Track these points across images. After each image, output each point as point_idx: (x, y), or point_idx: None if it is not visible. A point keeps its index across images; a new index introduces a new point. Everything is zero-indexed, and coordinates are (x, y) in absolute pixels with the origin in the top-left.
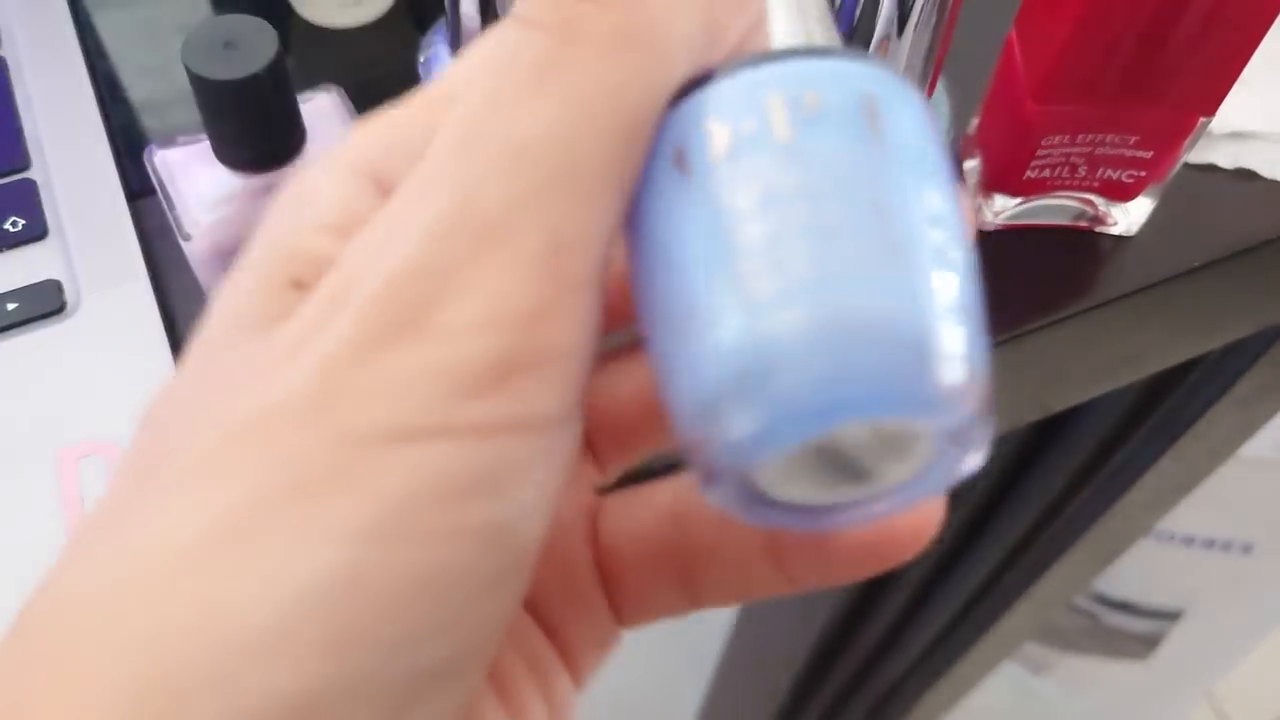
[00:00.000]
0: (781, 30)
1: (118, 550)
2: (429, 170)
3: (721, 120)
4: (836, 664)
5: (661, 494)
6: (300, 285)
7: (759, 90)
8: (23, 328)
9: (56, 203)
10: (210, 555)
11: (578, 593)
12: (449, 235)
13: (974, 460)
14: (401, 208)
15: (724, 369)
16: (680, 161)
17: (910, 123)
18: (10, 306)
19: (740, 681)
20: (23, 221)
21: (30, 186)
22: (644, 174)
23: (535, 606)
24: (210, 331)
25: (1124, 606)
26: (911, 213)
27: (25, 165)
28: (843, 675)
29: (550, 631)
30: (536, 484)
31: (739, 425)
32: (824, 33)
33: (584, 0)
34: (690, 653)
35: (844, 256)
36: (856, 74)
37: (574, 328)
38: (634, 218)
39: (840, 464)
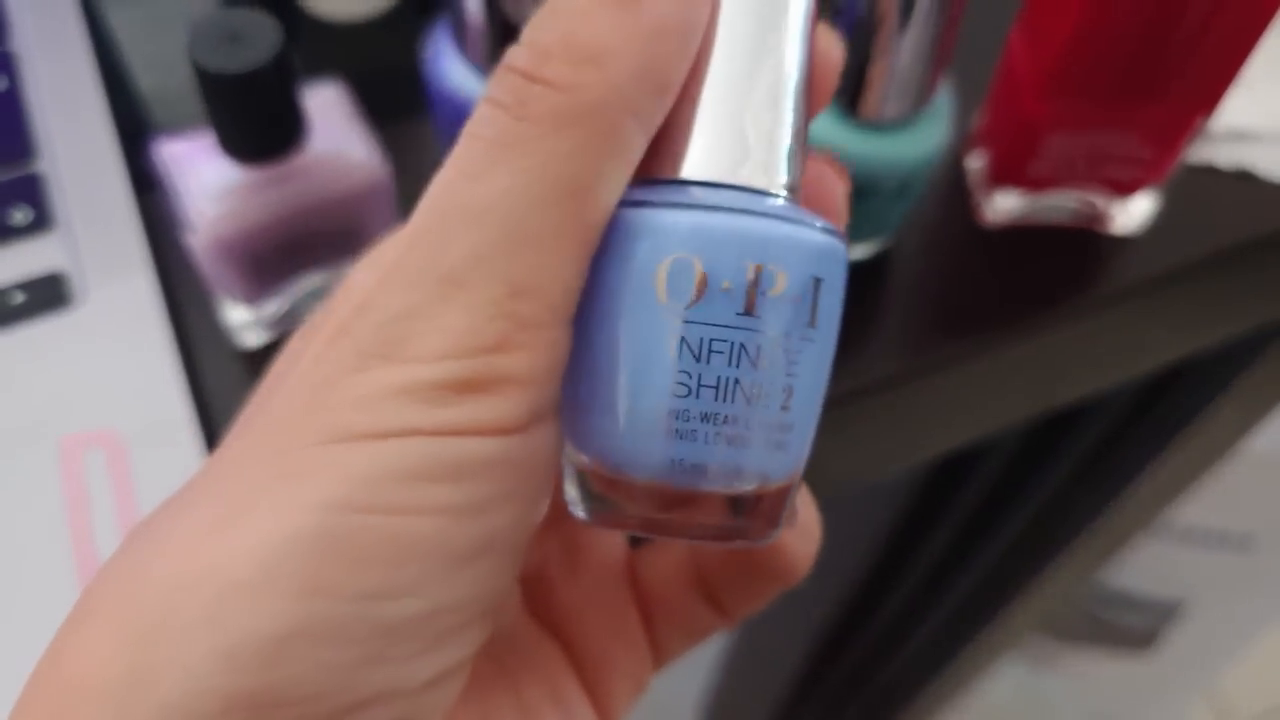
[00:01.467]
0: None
1: (161, 543)
2: (410, 231)
3: (703, 265)
4: (838, 658)
5: None
6: None
7: (741, 249)
8: (29, 318)
9: (63, 195)
10: (212, 532)
11: (620, 628)
12: (420, 285)
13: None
14: (390, 261)
15: (641, 459)
16: (658, 287)
17: (833, 308)
18: (17, 298)
19: (742, 676)
20: (31, 213)
21: (37, 179)
22: (621, 275)
23: (577, 644)
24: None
25: (1124, 600)
26: (808, 396)
27: (33, 158)
28: (845, 669)
29: (588, 668)
30: (497, 479)
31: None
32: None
33: (535, 83)
34: (690, 652)
35: (747, 427)
36: (813, 251)
37: (532, 357)
38: (600, 300)
39: None
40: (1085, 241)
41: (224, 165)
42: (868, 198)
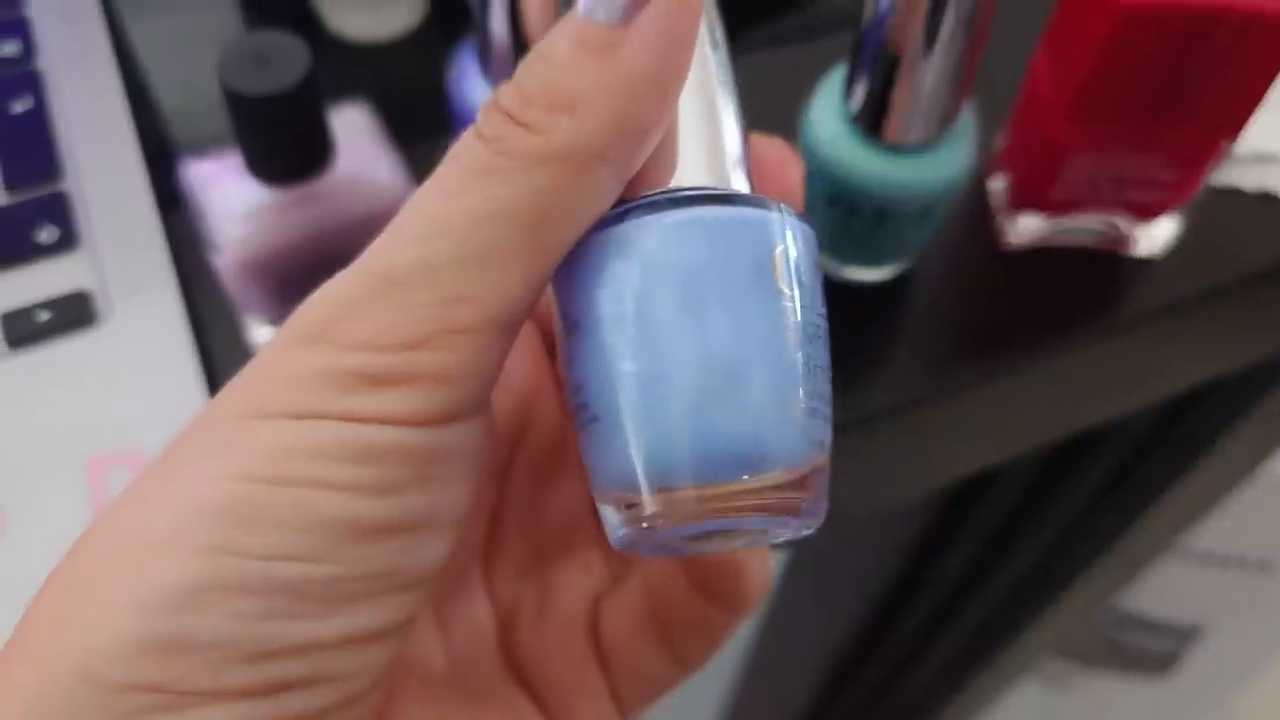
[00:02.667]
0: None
1: (110, 510)
2: (380, 236)
3: (660, 272)
4: (856, 678)
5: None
6: None
7: (709, 243)
8: (54, 337)
9: (89, 213)
10: (144, 498)
11: (580, 680)
12: (362, 278)
13: (810, 525)
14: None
15: (645, 467)
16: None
17: (807, 268)
18: (43, 316)
19: (760, 695)
20: (56, 232)
21: (64, 198)
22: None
23: (541, 692)
24: None
25: (1143, 623)
26: (790, 362)
27: (59, 176)
28: (862, 689)
29: (554, 717)
30: (406, 464)
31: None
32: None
33: (516, 125)
34: (708, 671)
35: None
36: (769, 224)
37: (454, 359)
38: (589, 301)
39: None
40: (1107, 264)
41: (250, 186)
42: (891, 220)
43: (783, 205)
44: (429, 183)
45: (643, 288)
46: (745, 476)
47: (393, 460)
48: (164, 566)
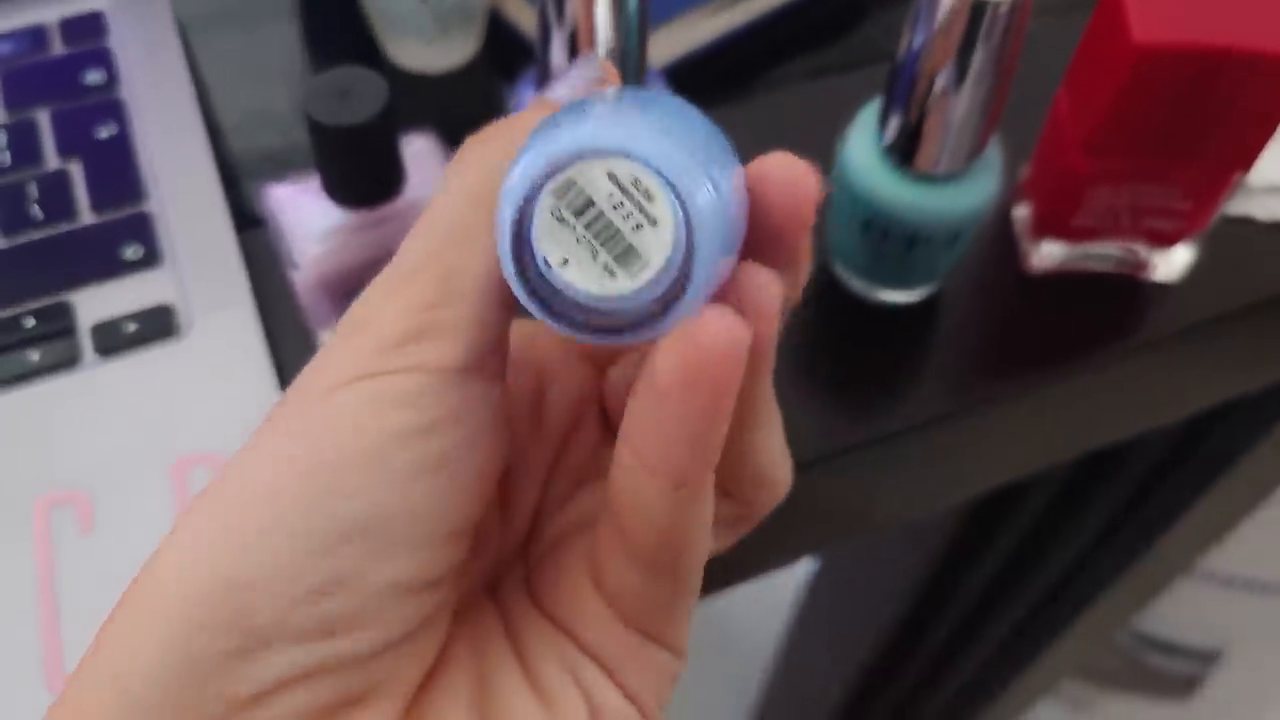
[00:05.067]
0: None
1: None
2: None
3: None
4: (877, 698)
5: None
6: None
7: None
8: (140, 347)
9: (170, 232)
10: (235, 464)
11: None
12: (389, 278)
13: (696, 289)
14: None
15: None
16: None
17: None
18: (129, 328)
19: (781, 716)
20: (141, 249)
21: (147, 218)
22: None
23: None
24: None
25: (1164, 646)
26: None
27: (143, 198)
28: (884, 709)
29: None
30: (439, 406)
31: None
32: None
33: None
34: (730, 690)
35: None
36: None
37: (462, 314)
38: None
39: (596, 228)
40: (1127, 289)
41: (328, 208)
42: (921, 245)
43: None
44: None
45: None
46: None
47: (429, 403)
48: (241, 513)
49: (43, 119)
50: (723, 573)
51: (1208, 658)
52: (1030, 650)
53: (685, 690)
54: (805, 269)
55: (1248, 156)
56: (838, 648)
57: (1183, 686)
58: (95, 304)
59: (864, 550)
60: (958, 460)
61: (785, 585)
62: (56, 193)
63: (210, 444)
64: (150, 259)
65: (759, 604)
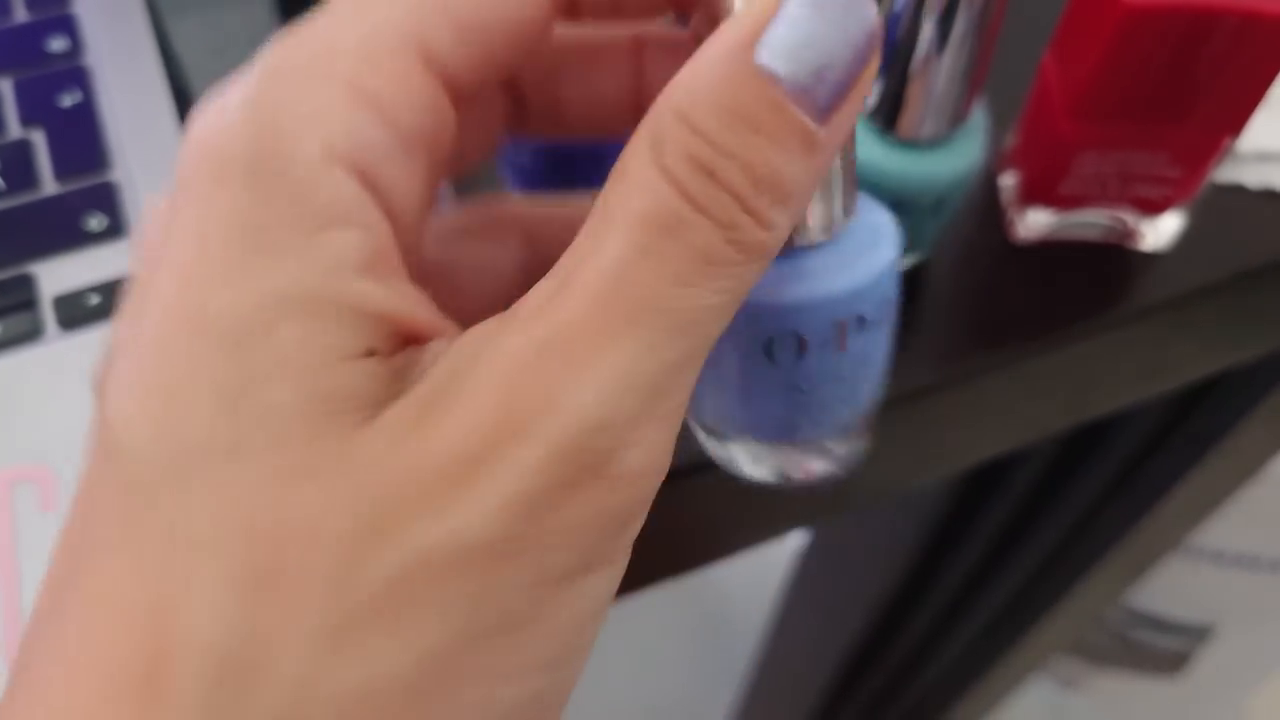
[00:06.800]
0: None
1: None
2: (596, 322)
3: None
4: (865, 677)
5: None
6: (375, 353)
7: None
8: (104, 320)
9: (136, 203)
10: (423, 693)
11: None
12: (625, 394)
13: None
14: (568, 350)
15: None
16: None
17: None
18: (93, 300)
19: (770, 693)
20: (105, 220)
21: (112, 188)
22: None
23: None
24: (280, 400)
25: (1154, 623)
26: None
27: (108, 168)
28: (872, 688)
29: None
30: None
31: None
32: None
33: (746, 212)
34: (721, 663)
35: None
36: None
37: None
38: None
39: None
40: (1115, 257)
41: None
42: (904, 213)
43: None
44: (628, 250)
45: None
46: None
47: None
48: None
49: (4, 87)
50: (708, 549)
51: (1198, 634)
52: (1020, 627)
53: (674, 666)
54: None
55: (1238, 121)
56: (826, 625)
57: (1173, 663)
58: (58, 276)
59: (853, 526)
60: (942, 435)
61: (776, 561)
62: (18, 162)
63: None
64: (114, 230)
65: (749, 577)
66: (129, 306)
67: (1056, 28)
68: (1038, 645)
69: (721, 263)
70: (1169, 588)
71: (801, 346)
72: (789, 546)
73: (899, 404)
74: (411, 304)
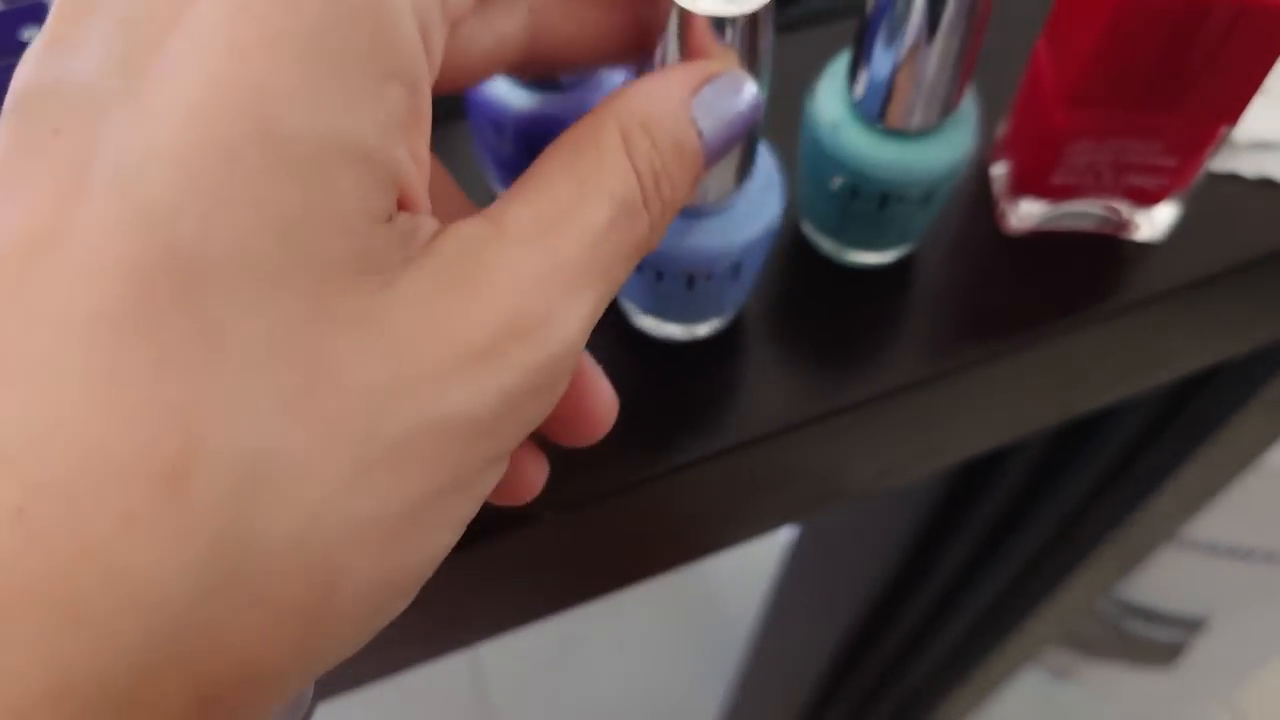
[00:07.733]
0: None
1: None
2: (580, 268)
3: None
4: (859, 668)
5: None
6: (392, 218)
7: None
8: None
9: None
10: (399, 535)
11: None
12: (587, 327)
13: None
14: (565, 283)
15: None
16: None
17: None
18: None
19: (762, 685)
20: None
21: None
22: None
23: None
24: (329, 248)
25: (1147, 614)
26: None
27: None
28: (866, 679)
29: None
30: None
31: None
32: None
33: (663, 215)
34: (713, 656)
35: None
36: None
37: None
38: None
39: None
40: (1108, 248)
41: None
42: (894, 204)
43: None
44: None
45: None
46: None
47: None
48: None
49: None
50: (699, 544)
51: (1191, 625)
52: (1013, 618)
53: (667, 657)
54: None
55: (1234, 109)
56: (819, 617)
57: (1166, 654)
58: None
59: (845, 517)
60: (934, 428)
61: (767, 554)
62: None
63: None
64: None
65: (740, 571)
66: None
67: (1049, 14)
68: (1031, 636)
69: (646, 247)
70: (1162, 579)
71: (690, 281)
72: (780, 540)
73: (887, 399)
74: (415, 173)
